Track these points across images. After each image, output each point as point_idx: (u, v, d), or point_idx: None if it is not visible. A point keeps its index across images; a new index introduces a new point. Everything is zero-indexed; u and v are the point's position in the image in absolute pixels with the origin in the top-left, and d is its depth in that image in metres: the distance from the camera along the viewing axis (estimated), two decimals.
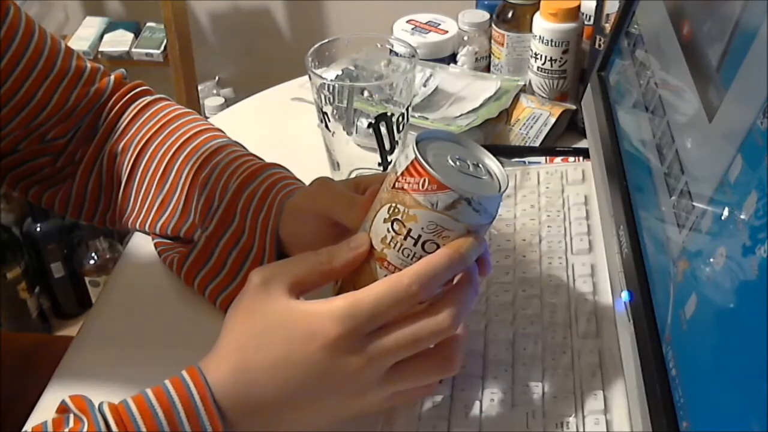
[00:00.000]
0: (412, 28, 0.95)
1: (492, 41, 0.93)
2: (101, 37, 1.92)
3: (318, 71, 0.70)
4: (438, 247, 0.47)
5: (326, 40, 0.72)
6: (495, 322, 0.60)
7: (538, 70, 0.88)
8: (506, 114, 0.86)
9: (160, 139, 0.70)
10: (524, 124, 0.85)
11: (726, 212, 0.44)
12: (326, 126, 0.72)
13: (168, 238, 0.70)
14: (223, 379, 0.47)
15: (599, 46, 0.82)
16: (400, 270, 0.47)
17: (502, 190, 0.48)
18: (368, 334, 0.47)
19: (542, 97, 0.89)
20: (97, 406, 0.47)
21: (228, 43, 2.11)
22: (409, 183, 0.46)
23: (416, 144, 0.47)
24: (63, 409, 0.49)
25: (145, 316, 0.68)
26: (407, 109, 0.72)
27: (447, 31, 0.95)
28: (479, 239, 0.48)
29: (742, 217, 0.41)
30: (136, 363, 0.62)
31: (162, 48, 1.87)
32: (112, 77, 0.73)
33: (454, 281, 0.49)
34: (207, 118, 0.82)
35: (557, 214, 0.70)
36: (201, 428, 0.46)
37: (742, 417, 0.39)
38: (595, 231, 0.68)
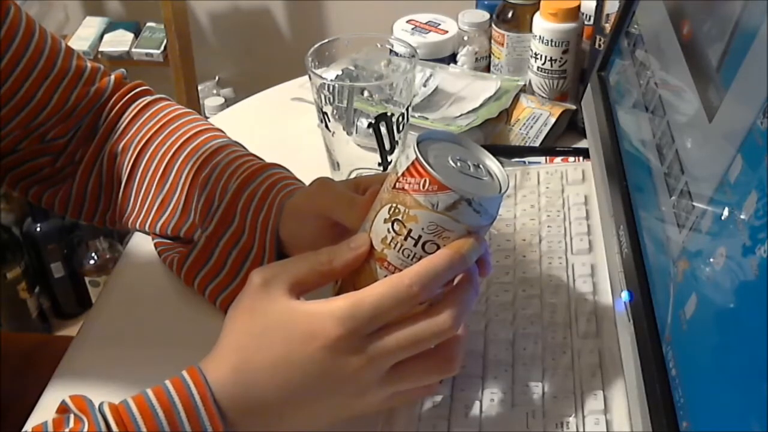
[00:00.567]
0: (412, 28, 0.95)
1: (492, 41, 0.93)
2: (101, 37, 1.92)
3: (318, 71, 0.70)
4: (438, 247, 0.47)
5: (326, 40, 0.72)
6: (495, 322, 0.60)
7: (538, 70, 0.88)
8: (506, 114, 0.86)
9: (160, 139, 0.70)
10: (524, 124, 0.85)
11: (726, 212, 0.44)
12: (326, 126, 0.72)
13: (168, 238, 0.70)
14: (223, 379, 0.47)
15: (599, 46, 0.82)
16: (401, 270, 0.48)
17: (502, 191, 0.48)
18: (369, 334, 0.47)
19: (542, 97, 0.89)
20: (97, 406, 0.47)
21: (228, 43, 2.11)
22: (409, 183, 0.46)
23: (417, 144, 0.47)
24: (63, 409, 0.49)
25: (145, 316, 0.68)
26: (407, 109, 0.72)
27: (447, 31, 0.95)
28: (480, 240, 0.48)
29: (742, 217, 0.42)
30: (136, 363, 0.62)
31: (162, 48, 1.87)
32: (112, 77, 0.73)
33: (455, 282, 0.49)
34: (207, 118, 0.82)
35: (557, 214, 0.70)
36: (201, 428, 0.46)
37: (742, 417, 0.39)
38: (595, 231, 0.68)
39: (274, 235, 0.62)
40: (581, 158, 0.80)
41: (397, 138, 0.72)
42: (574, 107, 0.86)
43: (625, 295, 0.56)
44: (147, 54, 1.88)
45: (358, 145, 0.75)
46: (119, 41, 1.90)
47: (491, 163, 0.50)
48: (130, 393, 0.48)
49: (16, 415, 0.61)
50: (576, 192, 0.72)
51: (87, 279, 1.78)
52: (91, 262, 1.76)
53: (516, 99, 0.87)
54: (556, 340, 0.58)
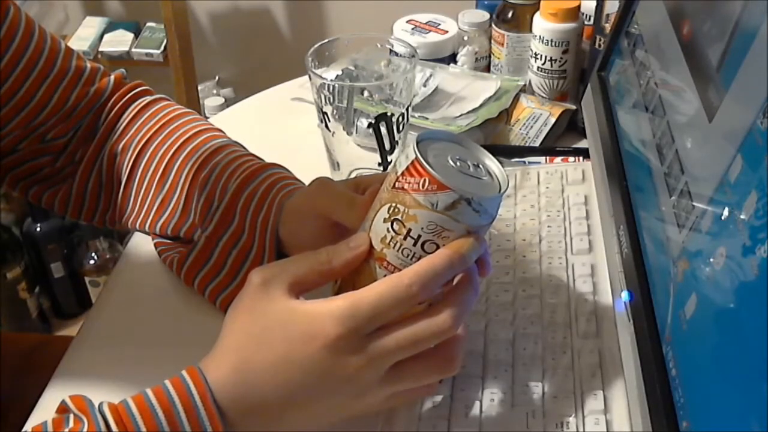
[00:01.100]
0: (412, 28, 0.95)
1: (492, 41, 0.93)
2: (101, 37, 1.92)
3: (318, 71, 0.70)
4: (438, 247, 0.47)
5: (326, 40, 0.72)
6: (495, 322, 0.60)
7: (538, 70, 0.88)
8: (506, 114, 0.86)
9: (160, 139, 0.70)
10: (524, 124, 0.85)
11: (726, 212, 0.44)
12: (326, 126, 0.72)
13: (168, 238, 0.70)
14: (223, 379, 0.47)
15: (599, 46, 0.82)
16: (400, 270, 0.48)
17: (502, 190, 0.48)
18: (368, 334, 0.47)
19: (542, 97, 0.89)
20: (97, 406, 0.47)
21: (228, 43, 2.11)
22: (409, 183, 0.46)
23: (417, 144, 0.47)
24: (63, 409, 0.49)
25: (145, 316, 0.68)
26: (407, 109, 0.72)
27: (447, 31, 0.95)
28: (479, 240, 0.48)
29: (742, 217, 0.41)
30: (136, 363, 0.62)
31: (162, 48, 1.87)
32: (112, 77, 0.73)
33: (454, 282, 0.49)
34: (207, 118, 0.82)
35: (557, 214, 0.70)
36: (201, 428, 0.46)
37: (742, 417, 0.39)
38: (595, 231, 0.68)
39: (274, 235, 0.62)
40: (581, 158, 0.80)
41: (397, 138, 0.72)
42: (574, 107, 0.86)
43: (625, 295, 0.56)
44: (147, 54, 1.88)
45: (358, 145, 0.75)
46: (119, 41, 1.90)
47: (491, 163, 0.50)
48: (130, 393, 0.48)
49: (16, 415, 0.61)
50: (576, 192, 0.72)
51: (87, 279, 1.78)
52: (91, 262, 1.76)
53: (516, 99, 0.87)
54: (556, 340, 0.58)
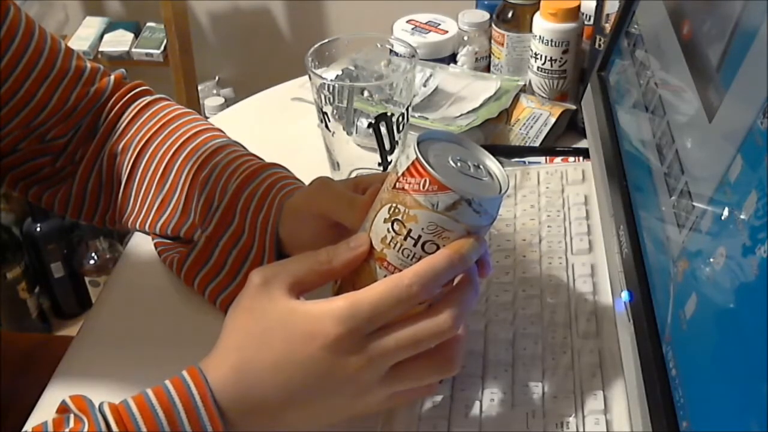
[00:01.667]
0: (412, 28, 0.95)
1: (492, 41, 0.93)
2: (101, 37, 1.92)
3: (318, 71, 0.70)
4: (438, 247, 0.47)
5: (326, 40, 0.72)
6: (495, 322, 0.60)
7: (538, 70, 0.88)
8: (506, 114, 0.86)
9: (160, 139, 0.70)
10: (524, 124, 0.85)
11: (726, 212, 0.44)
12: (326, 126, 0.72)
13: (168, 238, 0.70)
14: (223, 379, 0.47)
15: (599, 46, 0.82)
16: (400, 270, 0.48)
17: (502, 191, 0.48)
18: (368, 334, 0.47)
19: (542, 97, 0.89)
20: (97, 406, 0.48)
21: (228, 43, 2.11)
22: (409, 183, 0.46)
23: (417, 144, 0.47)
24: (63, 409, 0.49)
25: (145, 316, 0.68)
26: (407, 109, 0.72)
27: (447, 31, 0.95)
28: (480, 240, 0.48)
29: (742, 217, 0.42)
30: (136, 363, 0.62)
31: (162, 48, 1.87)
32: (112, 77, 0.73)
33: (455, 282, 0.49)
34: (207, 118, 0.82)
35: (557, 214, 0.70)
36: (201, 428, 0.46)
37: (742, 417, 0.39)
38: (595, 231, 0.68)
39: (274, 235, 0.62)
40: (581, 158, 0.80)
41: (397, 138, 0.72)
42: (574, 107, 0.86)
43: (625, 295, 0.56)
44: (147, 54, 1.88)
45: (358, 145, 0.75)
46: (119, 41, 1.90)
47: (491, 163, 0.50)
48: (130, 393, 0.48)
49: (16, 415, 0.61)
50: (576, 192, 0.72)
51: (87, 279, 1.78)
52: (91, 262, 1.76)
53: (516, 99, 0.87)
54: (556, 340, 0.58)
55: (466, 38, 0.94)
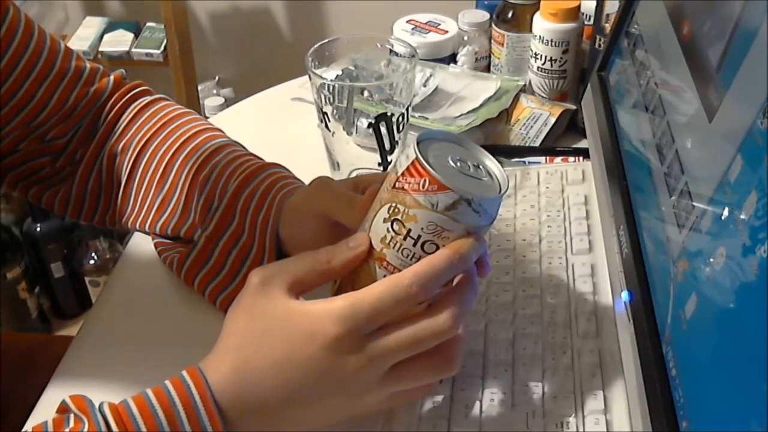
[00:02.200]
0: (412, 28, 0.95)
1: (492, 41, 0.93)
2: (101, 37, 1.92)
3: (318, 71, 0.70)
4: (437, 247, 0.47)
5: (326, 40, 0.72)
6: (495, 322, 0.60)
7: (538, 70, 0.88)
8: (506, 114, 0.86)
9: (160, 139, 0.70)
10: (524, 124, 0.85)
11: (726, 212, 0.44)
12: (326, 126, 0.72)
13: (168, 238, 0.70)
14: (223, 379, 0.47)
15: (599, 46, 0.82)
16: (399, 270, 0.48)
17: (502, 191, 0.48)
18: (368, 334, 0.47)
19: (542, 97, 0.89)
20: (97, 406, 0.48)
21: (228, 43, 2.11)
22: (409, 183, 0.46)
23: (417, 144, 0.47)
24: (63, 409, 0.49)
25: (145, 316, 0.68)
26: (407, 109, 0.72)
27: (447, 31, 0.95)
28: (479, 240, 0.48)
29: (742, 217, 0.42)
30: (136, 363, 0.62)
31: (162, 48, 1.87)
32: (112, 77, 0.73)
33: (454, 282, 0.49)
34: (207, 118, 0.82)
35: (557, 214, 0.70)
36: (201, 428, 0.46)
37: (742, 417, 0.39)
38: (595, 231, 0.68)
39: (274, 235, 0.62)
40: (581, 158, 0.80)
41: (397, 138, 0.72)
42: (574, 107, 0.86)
43: (625, 295, 0.56)
44: (147, 54, 1.88)
45: (358, 145, 0.75)
46: (119, 41, 1.90)
47: (491, 163, 0.50)
48: (130, 393, 0.48)
49: (16, 415, 0.61)
50: (576, 192, 0.72)
51: (87, 279, 1.78)
52: (91, 262, 1.76)
53: (516, 99, 0.87)
54: (556, 340, 0.58)
55: (466, 38, 0.94)
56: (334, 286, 0.52)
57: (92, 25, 1.96)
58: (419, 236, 0.47)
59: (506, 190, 0.48)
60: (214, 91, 2.02)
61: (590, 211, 0.70)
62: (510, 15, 0.90)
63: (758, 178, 0.41)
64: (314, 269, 0.49)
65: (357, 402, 0.49)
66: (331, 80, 0.71)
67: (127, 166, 0.70)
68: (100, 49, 1.89)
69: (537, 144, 0.83)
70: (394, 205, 0.47)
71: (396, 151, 0.73)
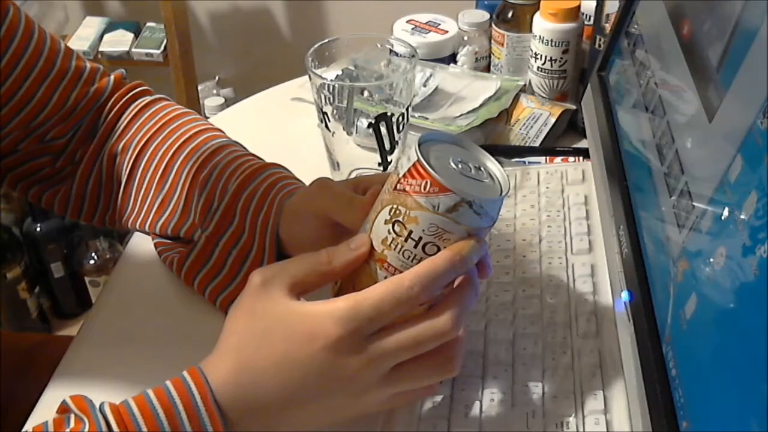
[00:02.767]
0: (412, 28, 0.95)
1: (492, 41, 0.93)
2: (101, 37, 1.92)
3: (318, 71, 0.70)
4: (438, 249, 0.47)
5: (326, 40, 0.72)
6: (495, 322, 0.60)
7: (538, 70, 0.88)
8: (506, 114, 0.86)
9: (160, 139, 0.70)
10: (524, 124, 0.85)
11: (726, 212, 0.44)
12: (326, 126, 0.72)
13: (168, 238, 0.70)
14: (224, 379, 0.47)
15: (599, 46, 0.82)
16: (400, 271, 0.48)
17: (503, 193, 0.48)
18: (369, 335, 0.47)
19: (542, 97, 0.89)
20: (98, 406, 0.48)
21: (228, 43, 2.11)
22: (410, 185, 0.46)
23: (418, 146, 0.47)
24: (64, 410, 0.49)
25: (145, 316, 0.68)
26: (407, 109, 0.72)
27: (447, 31, 0.95)
28: (480, 242, 0.48)
29: (742, 217, 0.42)
30: (137, 363, 0.62)
31: (162, 48, 1.87)
32: (112, 77, 0.73)
33: (455, 284, 0.49)
34: (207, 118, 0.82)
35: (557, 214, 0.70)
36: (202, 428, 0.46)
37: (742, 417, 0.39)
38: (595, 231, 0.68)
39: (274, 235, 0.62)
40: (581, 158, 0.80)
41: (397, 138, 0.72)
42: (574, 107, 0.86)
43: (625, 295, 0.56)
44: (147, 54, 1.88)
45: (358, 145, 0.75)
46: (119, 41, 1.90)
47: (492, 165, 0.50)
48: (131, 393, 0.48)
49: (16, 415, 0.61)
50: (576, 192, 0.72)
51: (87, 279, 1.78)
52: (91, 262, 1.76)
53: (516, 99, 0.87)
54: (556, 340, 0.58)
55: (466, 38, 0.94)
56: (335, 287, 0.52)
57: (92, 25, 1.96)
58: (420, 238, 0.47)
59: (507, 192, 0.48)
60: (214, 91, 2.02)
61: (590, 211, 0.70)
62: (510, 15, 0.90)
63: (758, 178, 0.41)
64: (315, 270, 0.49)
65: (357, 403, 0.49)
66: (331, 80, 0.71)
67: (127, 166, 0.70)
68: (100, 49, 1.88)
69: (537, 144, 0.83)
70: (395, 206, 0.47)
71: (396, 151, 0.73)
